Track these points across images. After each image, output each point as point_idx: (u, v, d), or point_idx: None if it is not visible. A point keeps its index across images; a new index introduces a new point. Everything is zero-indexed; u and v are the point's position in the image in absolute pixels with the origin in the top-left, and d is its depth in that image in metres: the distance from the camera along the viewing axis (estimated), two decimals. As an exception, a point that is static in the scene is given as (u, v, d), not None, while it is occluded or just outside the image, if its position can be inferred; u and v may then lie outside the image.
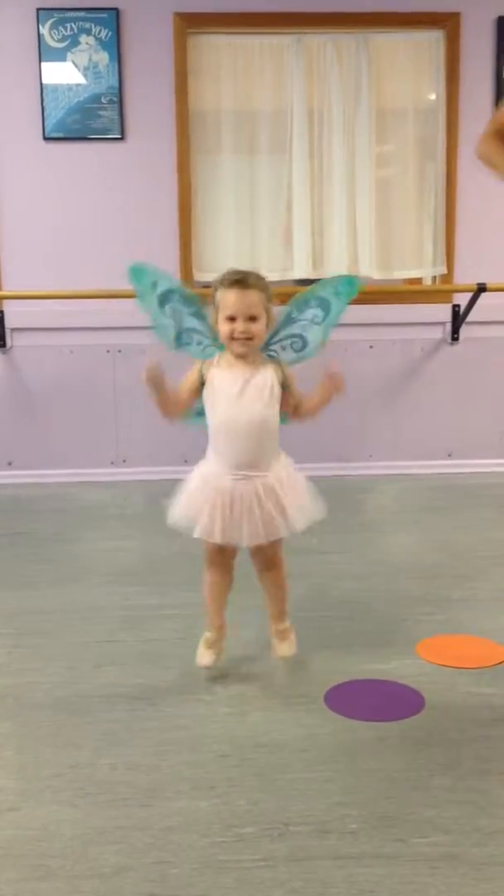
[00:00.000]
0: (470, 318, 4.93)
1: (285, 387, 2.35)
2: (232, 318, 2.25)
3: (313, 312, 2.40)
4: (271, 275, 4.91)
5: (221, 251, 4.97)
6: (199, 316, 2.38)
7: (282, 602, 2.48)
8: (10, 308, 4.88)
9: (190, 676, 2.47)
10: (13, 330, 4.95)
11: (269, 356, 2.37)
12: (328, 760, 2.02)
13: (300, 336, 2.40)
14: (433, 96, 4.94)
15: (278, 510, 2.31)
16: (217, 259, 4.96)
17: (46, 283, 4.78)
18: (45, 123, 4.80)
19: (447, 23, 4.83)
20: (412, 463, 5.11)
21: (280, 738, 2.13)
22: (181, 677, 2.47)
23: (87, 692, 2.39)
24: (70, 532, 4.01)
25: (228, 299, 2.24)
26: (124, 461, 4.99)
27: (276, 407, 2.33)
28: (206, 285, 5.09)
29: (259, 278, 2.30)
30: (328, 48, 4.81)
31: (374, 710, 2.25)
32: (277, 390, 2.32)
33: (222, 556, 2.42)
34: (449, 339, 5.08)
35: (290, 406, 2.38)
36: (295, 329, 2.40)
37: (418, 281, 5.16)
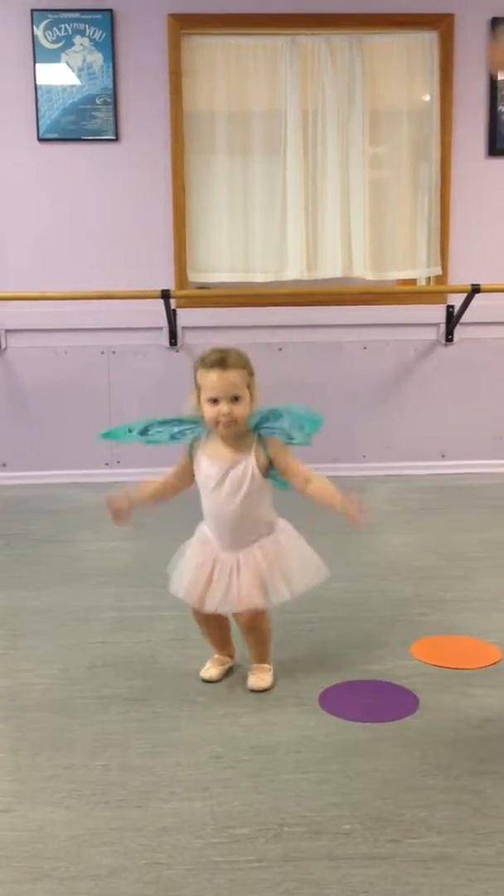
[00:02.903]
0: (464, 319, 4.94)
1: (277, 468, 2.30)
2: (214, 401, 2.23)
3: (289, 424, 2.32)
4: (265, 276, 4.92)
5: (215, 252, 4.97)
6: (182, 422, 2.38)
7: (262, 652, 2.43)
8: (3, 309, 4.87)
9: (184, 678, 2.47)
10: (7, 331, 4.94)
11: (259, 435, 2.31)
12: (322, 761, 2.03)
13: (286, 433, 2.33)
14: (427, 97, 4.95)
15: (256, 582, 2.29)
16: (211, 260, 4.97)
17: (40, 285, 4.78)
18: (40, 124, 4.80)
19: (441, 24, 4.84)
20: (405, 464, 5.11)
21: (274, 739, 2.13)
22: (175, 679, 2.47)
23: (81, 693, 2.39)
24: (64, 533, 4.01)
25: (210, 381, 2.23)
26: (118, 462, 4.99)
27: (257, 497, 2.29)
28: (201, 286, 5.14)
29: (239, 356, 2.27)
30: (322, 49, 4.81)
31: (368, 711, 2.26)
32: (258, 479, 2.28)
33: (206, 613, 2.40)
34: (443, 340, 5.08)
35: (296, 484, 2.31)
36: (279, 424, 2.32)
37: (412, 282, 5.17)
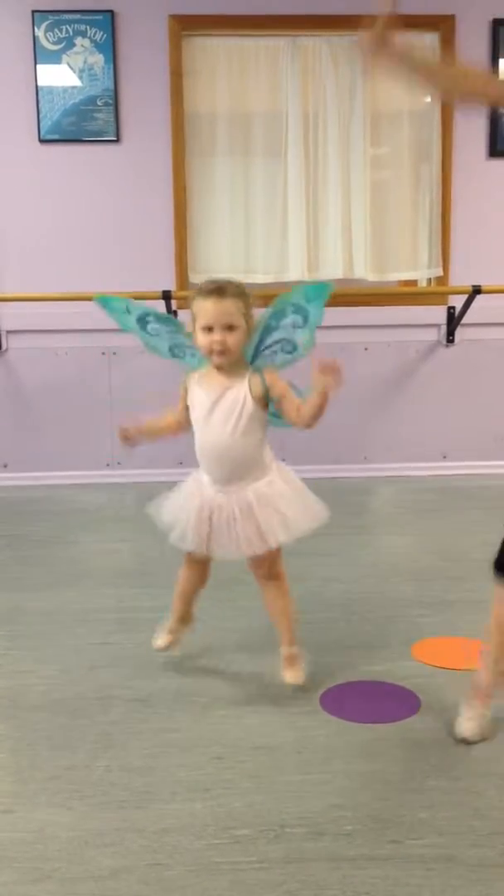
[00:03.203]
0: (465, 320, 4.94)
1: (275, 397, 2.28)
2: (209, 328, 2.21)
3: (292, 319, 2.34)
4: (266, 277, 4.92)
5: (217, 253, 4.97)
6: (182, 333, 2.39)
7: (287, 622, 2.41)
8: (4, 310, 4.88)
9: (185, 679, 2.47)
10: (8, 332, 4.94)
11: (256, 366, 2.32)
12: (323, 762, 2.03)
13: (287, 340, 2.35)
14: (428, 99, 4.95)
15: (253, 527, 2.27)
16: (212, 261, 4.97)
17: (41, 286, 4.78)
18: (41, 126, 4.80)
19: (442, 25, 4.84)
20: (407, 465, 5.11)
21: (275, 740, 2.13)
22: (176, 679, 2.47)
23: (82, 694, 2.39)
24: (65, 534, 4.01)
25: (204, 308, 2.21)
26: (119, 463, 4.99)
27: (249, 428, 2.27)
28: (202, 287, 5.10)
29: (237, 286, 2.26)
30: (323, 50, 4.81)
31: (370, 712, 2.25)
32: (250, 408, 2.26)
33: (198, 559, 2.43)
34: (444, 341, 5.08)
35: (291, 414, 2.29)
36: (280, 334, 2.34)
37: (413, 283, 5.16)
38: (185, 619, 2.56)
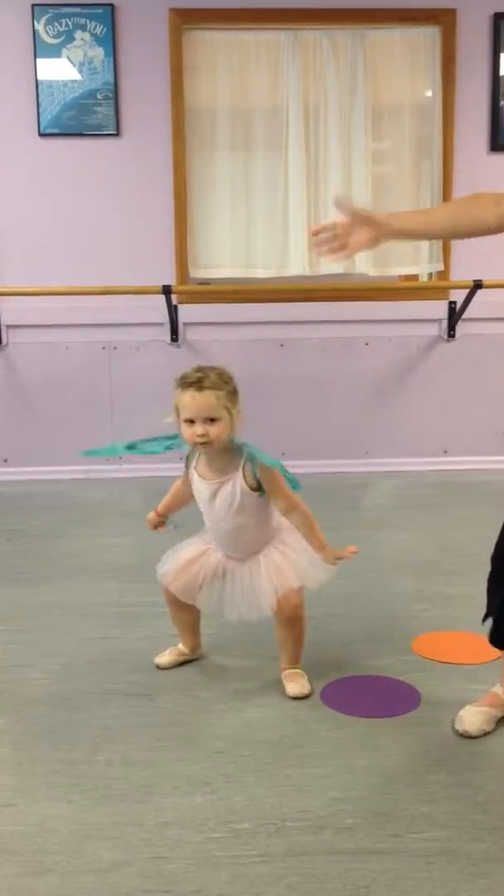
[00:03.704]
0: (466, 314, 4.93)
1: (265, 486, 2.27)
2: (191, 421, 2.21)
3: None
4: (267, 272, 4.92)
5: (217, 248, 4.96)
6: (170, 437, 2.37)
7: (297, 651, 2.41)
8: (5, 305, 4.87)
9: (185, 673, 2.47)
10: (9, 327, 4.94)
11: (247, 450, 2.28)
12: (324, 756, 2.03)
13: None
14: (429, 93, 4.94)
15: (272, 579, 2.30)
16: (212, 256, 4.96)
17: (42, 280, 4.78)
18: (41, 119, 4.79)
19: (443, 19, 4.83)
20: (408, 460, 5.11)
21: (276, 734, 2.13)
22: (177, 674, 2.47)
23: (83, 688, 2.39)
24: (66, 529, 4.01)
25: (184, 401, 2.21)
26: (120, 458, 4.98)
27: (250, 511, 2.29)
28: (202, 282, 5.13)
29: (219, 376, 2.22)
30: (324, 44, 4.80)
31: (370, 707, 2.26)
32: (248, 495, 2.27)
33: (183, 609, 2.47)
34: (445, 336, 5.08)
35: (280, 506, 2.31)
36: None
37: (414, 277, 5.16)
38: (196, 648, 2.56)
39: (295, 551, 2.34)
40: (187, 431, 2.23)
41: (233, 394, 2.24)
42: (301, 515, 2.30)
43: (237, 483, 2.27)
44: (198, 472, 2.34)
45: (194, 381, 2.20)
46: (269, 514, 2.36)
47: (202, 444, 2.23)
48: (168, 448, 2.40)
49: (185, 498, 2.45)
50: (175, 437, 2.34)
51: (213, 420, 2.20)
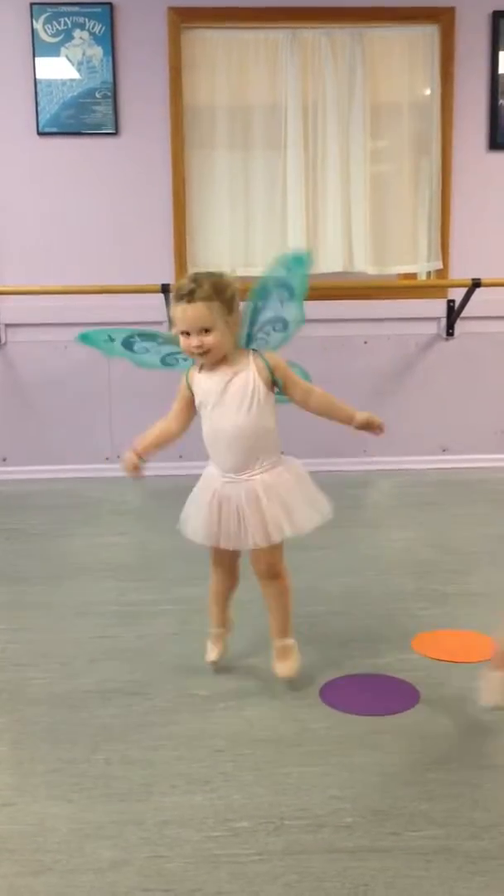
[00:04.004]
0: (465, 313, 4.93)
1: (277, 378, 2.27)
2: (186, 333, 2.20)
3: (277, 293, 2.31)
4: (265, 270, 4.91)
5: (216, 246, 4.96)
6: (170, 342, 2.37)
7: (283, 617, 2.39)
8: (4, 304, 4.87)
9: (185, 671, 2.47)
10: (7, 326, 4.94)
11: (254, 349, 2.30)
12: (323, 755, 2.03)
13: (277, 318, 2.32)
14: (428, 91, 4.94)
15: (258, 519, 2.25)
16: (212, 254, 4.96)
17: (40, 279, 4.78)
18: (39, 118, 4.79)
19: (442, 17, 4.83)
20: (406, 458, 5.11)
21: (275, 732, 2.14)
22: (176, 672, 2.47)
23: (82, 687, 2.39)
24: (65, 528, 4.01)
25: (177, 315, 2.19)
26: (119, 457, 4.96)
27: (262, 409, 2.25)
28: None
29: (208, 287, 2.18)
30: (322, 43, 4.80)
31: (369, 705, 2.26)
32: (262, 389, 2.24)
33: (222, 557, 2.40)
34: (444, 335, 5.08)
35: (297, 396, 2.30)
36: (268, 314, 2.31)
37: (413, 276, 5.16)
38: (224, 622, 2.50)
39: (288, 492, 2.28)
40: (184, 343, 2.22)
41: (229, 302, 2.21)
42: (320, 395, 2.32)
43: (251, 373, 2.24)
44: (205, 375, 2.28)
45: (186, 293, 2.17)
46: (275, 429, 2.31)
47: (200, 354, 2.21)
48: (164, 363, 2.39)
49: (174, 431, 2.37)
50: (174, 350, 2.34)
51: (207, 331, 2.18)
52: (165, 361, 2.41)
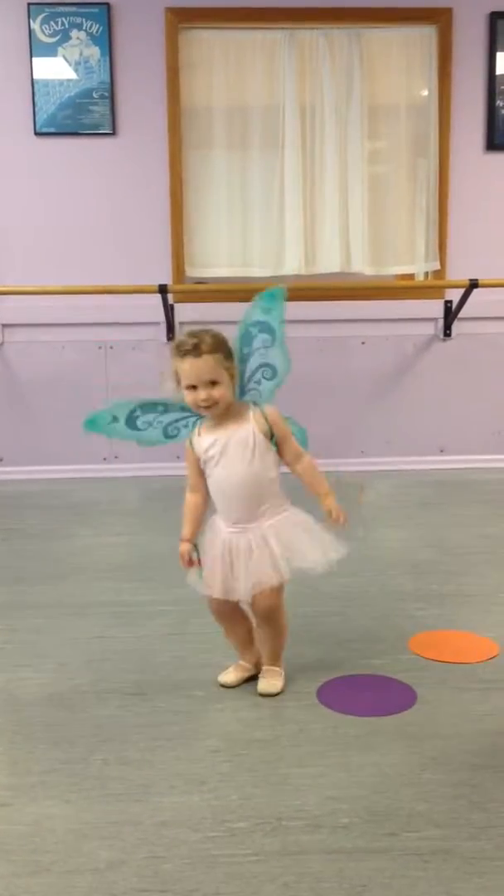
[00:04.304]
0: (462, 313, 4.94)
1: (275, 434, 2.30)
2: (193, 387, 2.23)
3: (261, 338, 2.38)
4: (263, 271, 4.92)
5: (213, 247, 4.96)
6: (171, 408, 2.38)
7: (275, 651, 2.39)
8: (1, 304, 4.87)
9: (182, 672, 2.47)
10: (5, 326, 4.94)
11: (251, 401, 2.33)
12: (320, 755, 2.03)
13: (265, 364, 2.37)
14: (425, 92, 4.95)
15: (269, 560, 2.27)
16: (209, 255, 4.97)
17: (38, 279, 4.78)
18: (37, 119, 4.79)
19: (439, 18, 4.83)
20: (404, 459, 5.11)
21: (272, 733, 2.13)
22: (173, 673, 2.47)
23: (79, 688, 2.39)
24: (62, 528, 4.01)
25: (184, 370, 2.23)
26: (116, 457, 4.99)
27: (264, 460, 2.29)
28: (199, 281, 5.13)
29: (213, 339, 2.24)
30: (320, 43, 4.80)
31: (367, 706, 2.26)
32: (262, 442, 2.28)
33: (225, 608, 2.38)
34: (441, 335, 5.08)
35: (288, 457, 2.35)
36: (256, 361, 2.37)
37: (411, 277, 5.16)
38: (257, 662, 2.45)
39: (294, 531, 2.31)
40: (191, 397, 2.25)
41: (229, 354, 2.28)
42: (307, 464, 2.35)
43: (251, 427, 2.28)
44: (206, 435, 2.31)
45: (191, 347, 2.22)
46: (278, 479, 2.34)
47: (207, 407, 2.25)
48: (167, 436, 2.39)
49: (204, 500, 2.38)
50: (176, 418, 2.36)
51: (214, 383, 2.23)
52: (168, 434, 2.40)
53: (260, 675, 2.39)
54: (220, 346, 2.26)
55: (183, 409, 2.35)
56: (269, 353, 2.38)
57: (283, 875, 1.61)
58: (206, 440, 2.31)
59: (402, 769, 1.96)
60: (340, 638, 2.70)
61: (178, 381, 2.27)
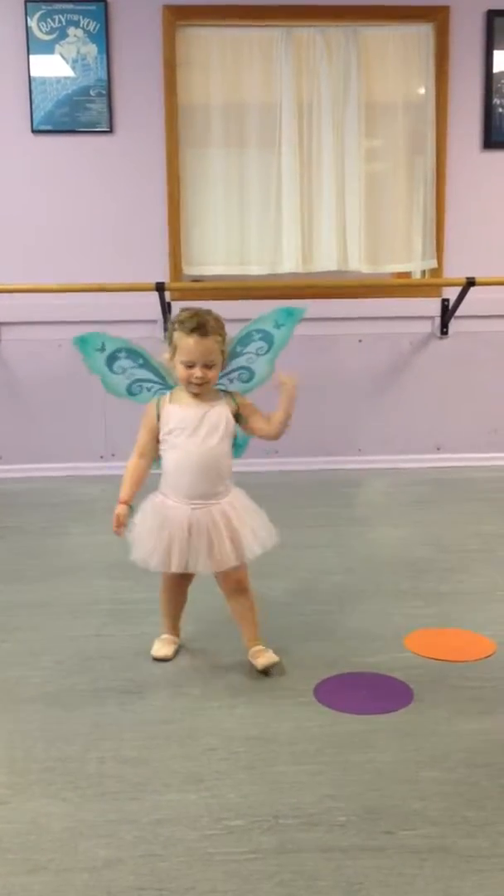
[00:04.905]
0: (459, 312, 4.94)
1: (245, 415, 2.41)
2: (190, 364, 2.30)
3: (257, 345, 2.47)
4: (260, 268, 4.92)
5: (210, 245, 4.96)
6: (148, 366, 2.46)
7: (255, 624, 2.49)
8: (-2, 301, 4.87)
9: (179, 670, 2.47)
10: (1, 324, 4.93)
11: (221, 389, 2.43)
12: (317, 753, 2.03)
13: (246, 368, 2.48)
14: (422, 90, 4.94)
15: (233, 536, 2.36)
16: (206, 253, 4.96)
17: (35, 277, 4.77)
18: (34, 116, 4.78)
19: (436, 16, 4.83)
20: (401, 457, 5.11)
21: (269, 731, 2.14)
22: (170, 671, 2.47)
23: (75, 686, 2.39)
24: (59, 526, 4.00)
25: (187, 345, 2.29)
26: (113, 455, 4.98)
27: (228, 442, 2.39)
28: (196, 279, 5.12)
29: (217, 321, 2.34)
30: (317, 41, 4.80)
31: (363, 703, 2.26)
32: (231, 424, 2.39)
33: (180, 582, 2.50)
34: (438, 334, 5.08)
35: (261, 428, 2.43)
36: (241, 361, 2.47)
37: (407, 275, 5.16)
38: (177, 631, 2.62)
39: (248, 516, 2.40)
40: (184, 373, 2.32)
41: (224, 337, 2.37)
42: (280, 414, 2.40)
43: (224, 410, 2.38)
44: (178, 405, 2.38)
45: (197, 326, 2.28)
46: (231, 458, 2.44)
47: (198, 385, 2.33)
48: (129, 392, 2.48)
49: (148, 466, 2.46)
50: (144, 377, 2.43)
51: (210, 365, 2.32)
52: (130, 390, 2.50)
53: (252, 658, 2.44)
54: (222, 329, 2.35)
55: (157, 373, 2.43)
56: (256, 360, 2.48)
57: (280, 873, 1.62)
58: (177, 411, 2.37)
59: (398, 767, 1.96)
60: (337, 636, 2.70)
61: (173, 354, 2.34)
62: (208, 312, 2.35)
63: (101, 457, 5.01)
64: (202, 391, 2.36)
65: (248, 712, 2.23)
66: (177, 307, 4.86)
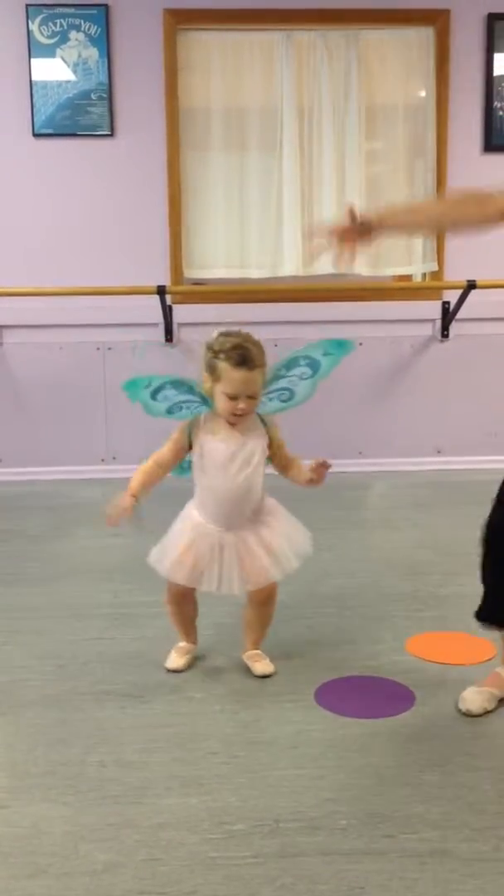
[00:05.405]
0: (460, 315, 4.94)
1: (272, 451, 2.39)
2: (234, 397, 2.24)
3: (301, 370, 2.42)
4: (261, 272, 4.92)
5: (211, 248, 4.96)
6: (191, 391, 2.36)
7: (261, 634, 2.49)
8: (-1, 305, 4.87)
9: (179, 674, 2.47)
10: (3, 327, 4.93)
11: (259, 414, 2.36)
12: (318, 757, 2.03)
13: (288, 389, 2.42)
14: (423, 93, 4.95)
15: (268, 554, 2.35)
16: (207, 256, 4.96)
17: (36, 280, 4.77)
18: (35, 120, 4.79)
19: (437, 20, 4.83)
20: (401, 460, 5.11)
21: (270, 734, 2.14)
22: (171, 675, 2.47)
23: (77, 689, 2.39)
24: (60, 530, 4.00)
25: (232, 379, 2.22)
26: (114, 458, 4.99)
27: (261, 470, 2.36)
28: (197, 282, 5.12)
29: (260, 351, 2.27)
30: (318, 45, 4.80)
31: (364, 707, 2.26)
32: (265, 450, 2.36)
33: (186, 592, 2.48)
34: (439, 337, 5.09)
35: (282, 462, 2.43)
36: (283, 383, 2.41)
37: (408, 278, 5.16)
38: (194, 640, 2.58)
39: (282, 531, 2.40)
40: (226, 405, 2.26)
41: (266, 365, 2.32)
42: (300, 477, 2.43)
43: (259, 443, 2.34)
44: (212, 434, 2.32)
45: (244, 360, 2.22)
46: (262, 482, 2.40)
47: (239, 416, 2.28)
48: (169, 412, 2.37)
49: (161, 478, 2.40)
50: (185, 399, 2.34)
51: (253, 397, 2.27)
52: (170, 410, 2.39)
53: (249, 661, 2.45)
54: (264, 357, 2.29)
55: (198, 394, 2.34)
56: (299, 383, 2.43)
57: (281, 877, 1.61)
58: (209, 442, 2.32)
59: (399, 771, 1.96)
60: (338, 639, 2.70)
61: (215, 380, 2.26)
62: (249, 340, 2.28)
63: (103, 460, 5.01)
64: (241, 422, 2.31)
65: (248, 716, 2.23)
66: (178, 310, 4.89)
